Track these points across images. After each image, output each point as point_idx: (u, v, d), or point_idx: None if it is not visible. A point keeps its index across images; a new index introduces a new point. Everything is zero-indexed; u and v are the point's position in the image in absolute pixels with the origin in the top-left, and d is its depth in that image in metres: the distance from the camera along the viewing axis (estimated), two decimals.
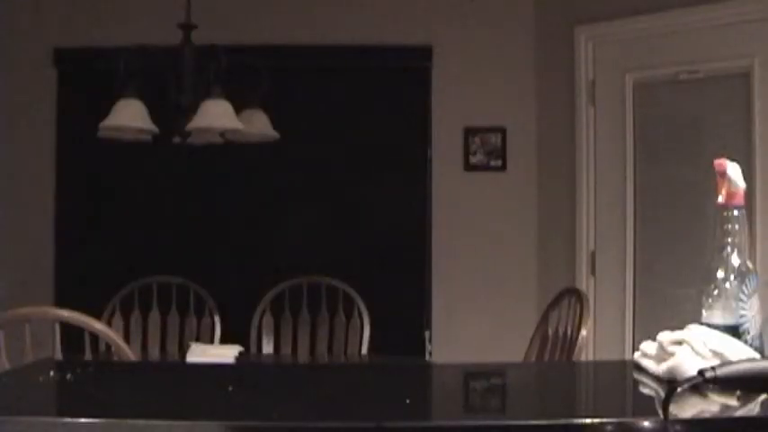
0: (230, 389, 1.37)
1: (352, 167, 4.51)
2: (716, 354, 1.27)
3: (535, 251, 4.41)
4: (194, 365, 2.46)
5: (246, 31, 4.34)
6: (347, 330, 3.88)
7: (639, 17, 3.94)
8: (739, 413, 1.17)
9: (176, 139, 3.54)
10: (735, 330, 1.36)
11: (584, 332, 2.87)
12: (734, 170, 1.41)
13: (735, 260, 1.39)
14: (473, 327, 4.33)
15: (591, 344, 3.76)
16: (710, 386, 1.17)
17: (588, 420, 1.10)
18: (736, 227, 1.40)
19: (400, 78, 4.52)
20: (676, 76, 3.87)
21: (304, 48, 4.45)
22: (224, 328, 3.89)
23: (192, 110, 3.30)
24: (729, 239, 1.40)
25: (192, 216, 4.47)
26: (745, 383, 1.18)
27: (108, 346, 2.78)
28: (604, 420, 1.09)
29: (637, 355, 1.41)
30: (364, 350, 3.83)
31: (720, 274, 1.39)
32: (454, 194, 4.48)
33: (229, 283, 4.29)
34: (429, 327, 4.44)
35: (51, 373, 1.48)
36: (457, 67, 4.48)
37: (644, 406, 1.31)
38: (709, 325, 1.37)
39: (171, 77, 3.45)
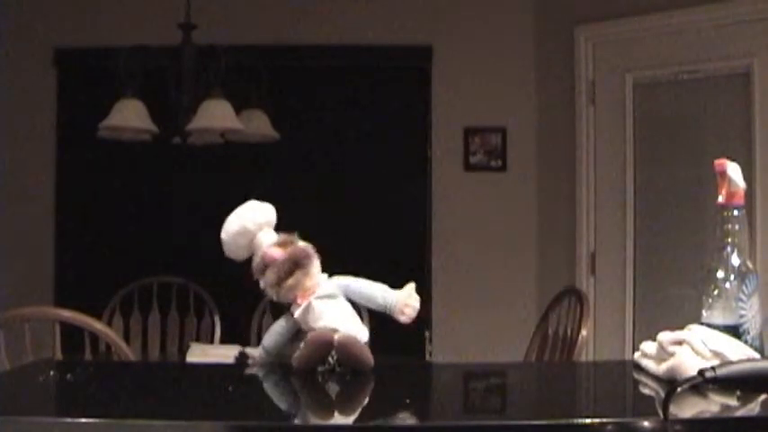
0: (230, 389, 1.37)
1: (352, 167, 4.51)
2: (716, 354, 1.27)
3: (535, 251, 4.41)
4: (194, 365, 2.45)
5: (246, 31, 4.34)
6: None
7: (639, 17, 3.94)
8: (739, 413, 1.17)
9: (176, 139, 3.54)
10: (735, 330, 1.35)
11: (584, 332, 2.86)
12: (734, 170, 1.41)
13: (735, 260, 1.39)
14: (473, 327, 4.33)
15: (591, 344, 3.75)
16: (710, 386, 1.17)
17: (588, 420, 1.10)
18: (737, 227, 1.40)
19: (400, 78, 4.52)
20: (676, 76, 3.87)
21: (304, 48, 4.45)
22: (224, 328, 3.89)
23: (192, 110, 3.31)
24: (729, 239, 1.39)
25: (191, 216, 4.47)
26: (745, 383, 1.18)
27: (108, 346, 2.77)
28: (604, 420, 1.09)
29: (637, 355, 1.41)
30: None
31: (720, 274, 1.39)
32: (454, 194, 4.48)
33: (229, 283, 4.27)
34: (429, 327, 4.44)
35: (51, 373, 1.48)
36: (457, 67, 4.48)
37: (644, 406, 1.31)
38: (709, 325, 1.36)
39: (171, 77, 3.45)
